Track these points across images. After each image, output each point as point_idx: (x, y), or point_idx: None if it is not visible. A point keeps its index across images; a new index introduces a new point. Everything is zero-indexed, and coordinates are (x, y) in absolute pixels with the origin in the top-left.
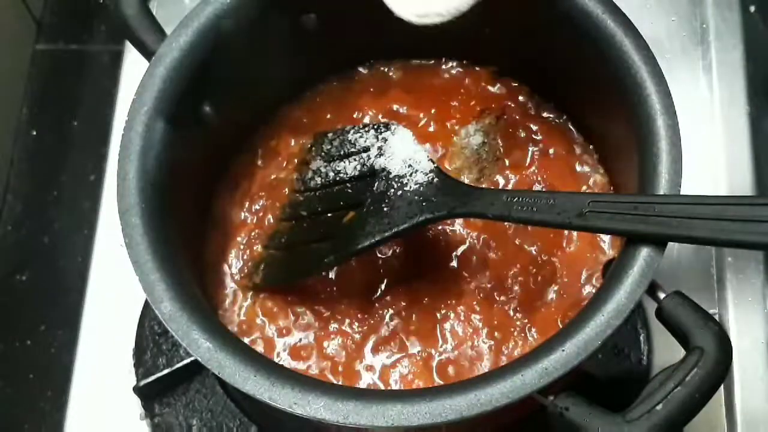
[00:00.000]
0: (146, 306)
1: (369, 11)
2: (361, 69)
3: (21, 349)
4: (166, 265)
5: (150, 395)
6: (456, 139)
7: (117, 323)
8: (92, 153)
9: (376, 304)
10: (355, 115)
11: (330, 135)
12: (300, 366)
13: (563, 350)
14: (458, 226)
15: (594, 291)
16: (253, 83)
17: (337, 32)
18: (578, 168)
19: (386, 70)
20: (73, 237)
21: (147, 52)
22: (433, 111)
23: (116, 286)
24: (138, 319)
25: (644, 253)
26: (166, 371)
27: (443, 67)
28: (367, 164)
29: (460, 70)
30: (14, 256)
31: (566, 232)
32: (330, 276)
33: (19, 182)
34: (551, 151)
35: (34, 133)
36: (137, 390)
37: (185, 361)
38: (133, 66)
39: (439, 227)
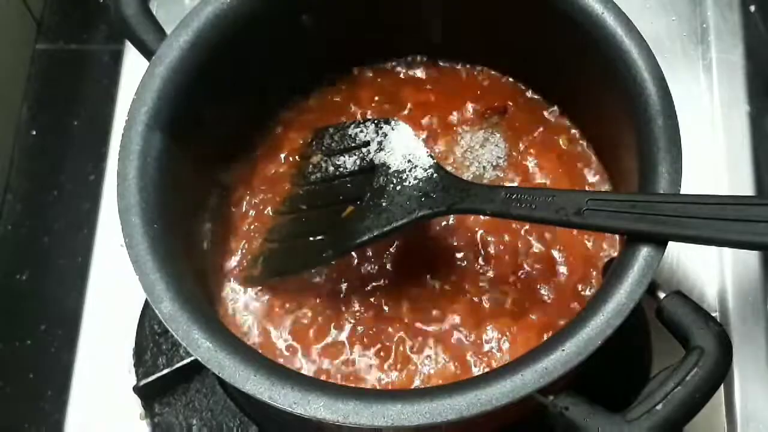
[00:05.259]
0: (146, 306)
1: (370, 11)
2: (362, 68)
3: (21, 349)
4: (166, 265)
5: (150, 395)
6: (457, 138)
7: (117, 323)
8: (92, 153)
9: (375, 299)
10: (355, 114)
11: (331, 129)
12: (298, 362)
13: (563, 350)
14: (458, 222)
15: (594, 290)
16: (254, 82)
17: (337, 32)
18: (578, 167)
19: (388, 69)
20: (73, 237)
21: (147, 52)
22: (435, 110)
23: (116, 286)
24: (138, 319)
25: (644, 252)
26: (166, 371)
27: (445, 66)
28: (367, 159)
29: (462, 69)
30: (14, 256)
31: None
32: (329, 270)
33: (19, 182)
34: (552, 150)
35: (34, 133)
36: (137, 390)
37: (185, 361)
38: (133, 66)
39: (439, 223)
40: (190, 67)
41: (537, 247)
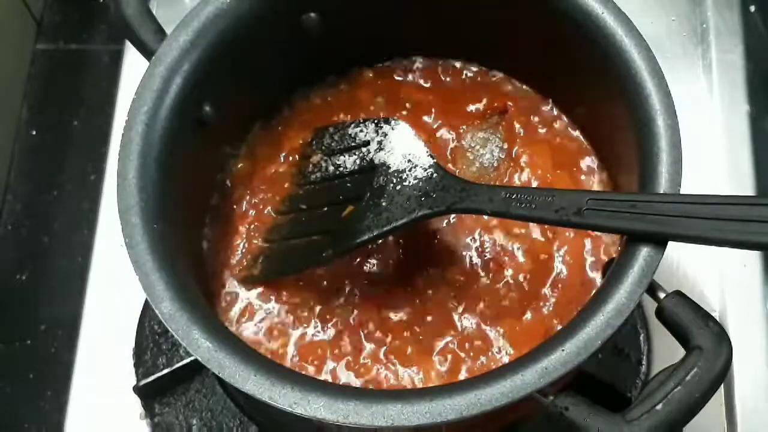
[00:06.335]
0: (146, 306)
1: (370, 11)
2: (362, 68)
3: (21, 349)
4: (166, 265)
5: (150, 395)
6: (458, 138)
7: (117, 323)
8: (92, 153)
9: (375, 298)
10: (355, 114)
11: (331, 129)
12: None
13: (563, 350)
14: (458, 221)
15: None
16: (254, 82)
17: (338, 32)
18: (578, 167)
19: (388, 69)
20: (73, 237)
21: (147, 52)
22: (435, 110)
23: (116, 286)
24: (138, 319)
25: (644, 252)
26: (166, 371)
27: (445, 66)
28: (367, 158)
29: (462, 69)
30: (14, 256)
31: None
32: (328, 269)
33: (19, 182)
34: (552, 149)
35: (34, 133)
36: (137, 390)
37: (185, 361)
38: (133, 66)
39: (439, 222)
40: (190, 67)
41: (537, 247)
